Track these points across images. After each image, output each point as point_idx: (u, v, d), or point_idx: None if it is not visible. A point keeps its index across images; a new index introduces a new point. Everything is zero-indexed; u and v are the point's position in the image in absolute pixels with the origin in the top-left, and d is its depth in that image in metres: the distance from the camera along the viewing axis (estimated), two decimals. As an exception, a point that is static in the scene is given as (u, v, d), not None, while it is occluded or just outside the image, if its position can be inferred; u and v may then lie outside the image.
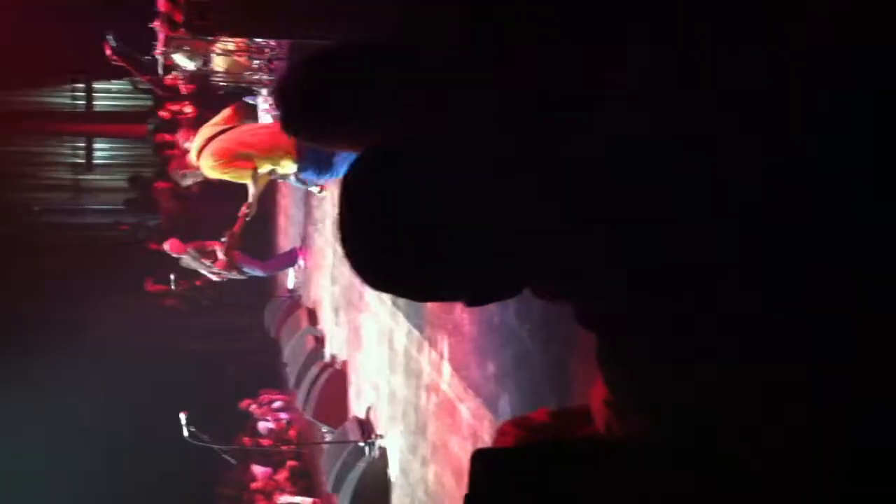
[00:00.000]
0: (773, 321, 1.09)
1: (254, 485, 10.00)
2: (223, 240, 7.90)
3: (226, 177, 6.53)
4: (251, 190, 6.50)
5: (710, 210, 1.13)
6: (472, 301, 1.42)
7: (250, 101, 7.85)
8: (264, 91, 7.49)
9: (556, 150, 1.21)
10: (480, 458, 1.56)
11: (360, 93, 1.44)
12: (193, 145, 6.64)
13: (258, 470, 10.03)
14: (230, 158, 6.37)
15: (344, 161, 6.08)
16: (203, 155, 6.48)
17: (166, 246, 9.09)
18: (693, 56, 1.16)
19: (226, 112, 6.83)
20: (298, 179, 6.74)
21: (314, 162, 6.33)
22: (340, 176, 5.41)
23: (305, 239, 10.46)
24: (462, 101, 1.30)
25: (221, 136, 6.47)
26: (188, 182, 7.06)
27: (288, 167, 6.44)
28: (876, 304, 1.04)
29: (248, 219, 6.91)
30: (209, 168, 6.49)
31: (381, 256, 1.33)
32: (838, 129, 1.05)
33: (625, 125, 1.18)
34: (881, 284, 1.04)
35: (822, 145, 1.05)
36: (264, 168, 6.38)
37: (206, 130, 6.63)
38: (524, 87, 1.24)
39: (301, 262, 10.48)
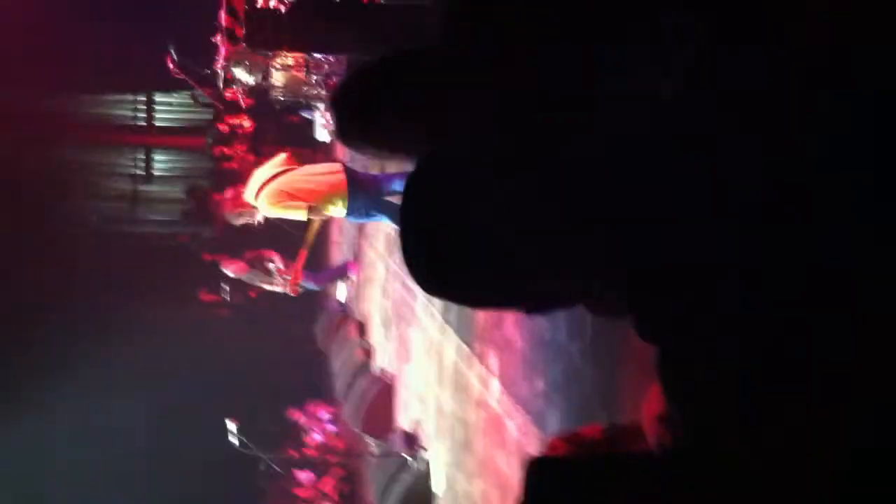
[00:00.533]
0: (772, 321, 1.08)
1: (299, 491, 10.05)
2: (286, 277, 8.23)
3: (281, 214, 6.93)
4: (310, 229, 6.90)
5: (710, 210, 1.12)
6: (531, 309, 1.43)
7: (307, 116, 7.96)
8: (321, 106, 7.59)
9: (556, 150, 1.21)
10: (535, 467, 1.57)
11: (406, 100, 1.46)
12: (249, 187, 6.89)
13: (303, 476, 10.08)
14: (287, 199, 6.72)
15: (387, 210, 6.63)
16: (259, 197, 6.80)
17: (230, 269, 9.21)
18: (692, 56, 1.15)
19: (281, 157, 6.99)
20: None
21: (361, 208, 6.74)
22: (382, 219, 5.60)
23: (357, 252, 10.54)
24: (465, 101, 1.30)
25: (278, 180, 6.76)
26: (241, 221, 7.19)
27: (338, 211, 6.77)
28: (876, 304, 1.04)
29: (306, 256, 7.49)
30: (266, 205, 6.83)
31: (435, 260, 1.35)
32: (838, 129, 1.04)
33: (624, 125, 1.17)
34: (881, 284, 1.03)
35: (822, 145, 1.05)
36: (317, 212, 6.77)
37: (262, 173, 6.82)
38: (524, 87, 1.24)
39: (352, 275, 10.56)
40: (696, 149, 1.12)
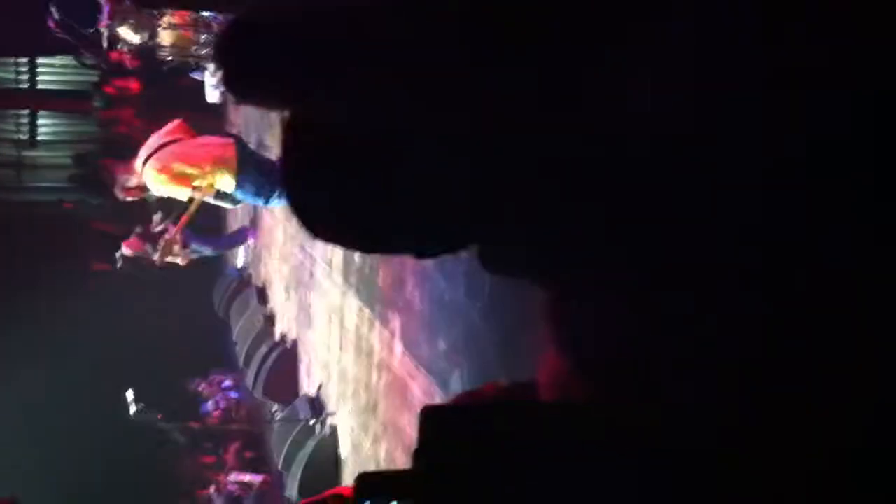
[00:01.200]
0: (772, 321, 1.08)
1: (204, 459, 9.96)
2: (161, 244, 7.98)
3: (165, 190, 6.67)
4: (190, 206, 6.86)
5: (710, 210, 1.12)
6: (420, 254, 1.40)
7: (197, 77, 7.75)
8: (211, 67, 7.39)
9: (553, 149, 1.19)
10: (429, 414, 1.55)
11: (301, 59, 1.40)
12: (140, 154, 6.63)
13: (207, 445, 10.01)
14: (172, 175, 6.47)
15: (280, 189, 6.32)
16: (147, 165, 6.52)
17: (125, 249, 8.91)
18: (692, 55, 1.15)
19: (174, 123, 6.76)
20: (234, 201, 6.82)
21: (251, 184, 6.51)
22: (274, 202, 5.46)
23: (255, 217, 10.38)
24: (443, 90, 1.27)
25: (167, 148, 6.51)
26: (132, 184, 6.92)
27: (226, 184, 6.53)
28: (876, 304, 1.04)
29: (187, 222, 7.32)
30: (151, 180, 6.57)
31: (329, 202, 1.30)
32: (838, 129, 1.04)
33: (623, 125, 1.17)
34: (881, 284, 1.03)
35: (821, 145, 1.05)
36: (203, 182, 6.49)
37: (152, 141, 6.61)
38: (522, 86, 1.22)
39: (251, 240, 10.39)
40: (695, 149, 1.11)
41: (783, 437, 1.08)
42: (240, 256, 11.12)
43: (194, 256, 8.69)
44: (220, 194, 6.89)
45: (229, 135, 6.99)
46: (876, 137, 1.02)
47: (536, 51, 1.17)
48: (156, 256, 8.19)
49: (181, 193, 6.76)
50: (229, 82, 1.44)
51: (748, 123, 1.07)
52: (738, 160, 1.07)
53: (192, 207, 6.99)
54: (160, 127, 6.77)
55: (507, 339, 4.02)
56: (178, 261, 8.27)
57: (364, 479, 1.37)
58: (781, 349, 1.07)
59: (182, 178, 6.51)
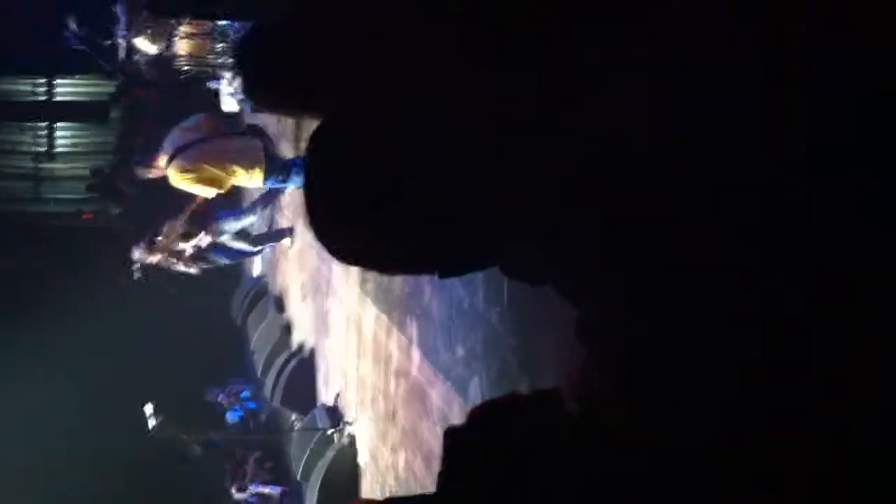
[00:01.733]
0: (772, 321, 1.08)
1: (225, 467, 9.95)
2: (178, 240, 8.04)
3: (189, 189, 6.83)
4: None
5: (710, 210, 1.12)
6: (444, 273, 1.40)
7: (213, 86, 7.77)
8: (228, 76, 7.41)
9: (553, 150, 1.20)
10: (453, 435, 1.55)
11: (313, 67, 1.41)
12: (164, 147, 6.70)
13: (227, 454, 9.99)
14: (199, 177, 6.63)
15: (299, 171, 6.55)
16: (173, 163, 6.63)
17: (136, 254, 8.87)
18: (692, 56, 1.16)
19: (198, 118, 6.82)
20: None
21: (278, 170, 6.75)
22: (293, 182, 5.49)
23: (272, 225, 10.37)
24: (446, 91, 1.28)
25: (195, 147, 6.62)
26: (151, 177, 6.98)
27: (256, 180, 6.75)
28: (876, 304, 1.04)
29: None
30: (175, 178, 6.68)
31: (350, 226, 1.31)
32: (838, 129, 1.04)
33: (624, 125, 1.17)
34: (881, 284, 1.03)
35: (821, 145, 1.05)
36: (231, 182, 6.72)
37: (178, 135, 6.63)
38: (523, 86, 1.22)
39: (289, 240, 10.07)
40: (695, 149, 1.12)
41: (783, 437, 1.08)
42: (257, 265, 11.11)
43: (208, 265, 8.67)
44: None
45: (253, 129, 7.04)
46: (876, 137, 1.02)
47: (536, 51, 1.17)
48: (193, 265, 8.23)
49: (206, 193, 6.91)
50: (249, 88, 1.46)
51: (747, 123, 1.07)
52: (738, 160, 1.07)
53: (196, 205, 7.14)
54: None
55: (525, 345, 4.00)
56: (192, 270, 8.29)
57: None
58: (781, 349, 1.07)
59: (210, 181, 6.68)
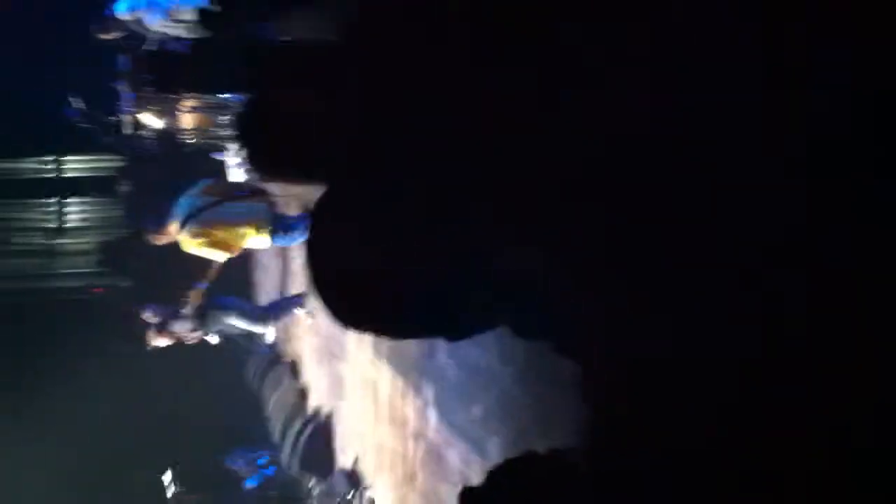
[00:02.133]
0: (772, 321, 1.13)
1: None
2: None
3: (201, 254, 6.92)
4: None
5: (710, 210, 1.14)
6: (455, 336, 1.42)
7: (218, 157, 7.83)
8: (233, 147, 7.48)
9: (552, 150, 1.22)
10: (470, 496, 1.56)
11: (310, 139, 1.44)
12: (174, 216, 6.84)
13: None
14: (211, 241, 6.78)
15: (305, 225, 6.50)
16: (185, 230, 6.78)
17: (156, 342, 8.83)
18: (692, 56, 1.17)
19: (203, 184, 6.96)
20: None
21: (284, 228, 6.86)
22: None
23: (284, 291, 10.38)
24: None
25: (205, 212, 6.76)
26: (160, 243, 7.08)
27: (263, 240, 6.89)
28: (876, 305, 1.04)
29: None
30: (188, 243, 6.83)
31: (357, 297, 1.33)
32: (838, 129, 1.05)
33: (624, 125, 1.19)
34: (881, 284, 1.03)
35: (821, 145, 1.06)
36: (242, 244, 6.86)
37: (184, 203, 6.82)
38: (522, 86, 1.24)
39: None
40: (696, 149, 1.17)
41: (783, 437, 1.10)
42: (269, 332, 11.09)
43: (213, 338, 8.67)
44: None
45: (257, 191, 7.14)
46: (876, 137, 1.01)
47: (536, 51, 1.17)
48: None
49: (217, 257, 7.01)
50: (253, 159, 1.49)
51: (747, 124, 1.07)
52: (738, 160, 1.08)
53: (214, 271, 7.20)
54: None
55: (540, 403, 3.98)
56: (187, 340, 8.33)
57: None
58: (781, 349, 1.07)
59: (221, 244, 6.81)
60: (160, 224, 6.92)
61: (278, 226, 6.84)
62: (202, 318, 8.33)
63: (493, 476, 1.74)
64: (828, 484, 1.08)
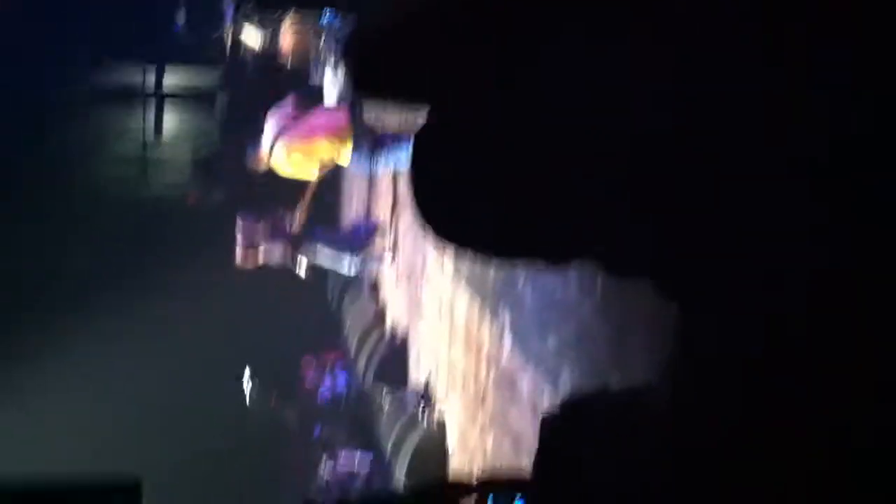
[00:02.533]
0: (773, 322, 1.08)
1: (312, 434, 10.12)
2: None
3: (292, 173, 7.06)
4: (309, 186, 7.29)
5: (712, 208, 1.11)
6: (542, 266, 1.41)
7: (316, 79, 7.90)
8: (329, 69, 7.55)
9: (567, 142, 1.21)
10: (551, 424, 1.55)
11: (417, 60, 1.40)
12: (263, 141, 6.95)
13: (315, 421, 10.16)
14: (300, 156, 6.87)
15: (396, 146, 6.81)
16: (274, 150, 6.89)
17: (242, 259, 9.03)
18: (692, 57, 1.11)
19: (289, 99, 7.04)
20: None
21: (365, 148, 6.85)
22: (392, 161, 5.60)
23: (368, 209, 10.52)
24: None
25: (290, 131, 6.85)
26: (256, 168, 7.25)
27: (347, 154, 6.91)
28: (876, 304, 1.02)
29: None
30: (280, 163, 6.95)
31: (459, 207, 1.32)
32: (838, 129, 1.03)
33: (626, 120, 1.15)
34: (881, 284, 1.01)
35: (822, 145, 1.03)
36: (326, 157, 6.91)
37: (273, 120, 6.93)
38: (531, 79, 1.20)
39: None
40: (697, 148, 1.12)
41: (784, 437, 1.07)
42: (353, 262, 11.19)
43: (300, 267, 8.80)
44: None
45: (346, 103, 7.21)
46: (876, 137, 1.01)
47: (542, 48, 1.18)
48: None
49: (307, 175, 7.14)
50: (354, 79, 1.48)
51: (749, 123, 1.06)
52: (740, 159, 1.06)
53: (311, 189, 7.40)
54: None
55: (617, 338, 4.06)
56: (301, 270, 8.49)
57: (491, 476, 1.43)
58: (782, 349, 1.07)
59: (309, 160, 6.91)
60: (257, 148, 7.05)
61: (369, 143, 6.83)
62: (292, 242, 8.48)
63: (569, 407, 1.70)
64: (828, 484, 1.05)
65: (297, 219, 8.22)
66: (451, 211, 1.31)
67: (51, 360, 11.16)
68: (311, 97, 7.17)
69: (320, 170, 7.11)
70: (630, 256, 1.27)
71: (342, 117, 6.88)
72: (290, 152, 6.89)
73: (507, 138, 1.22)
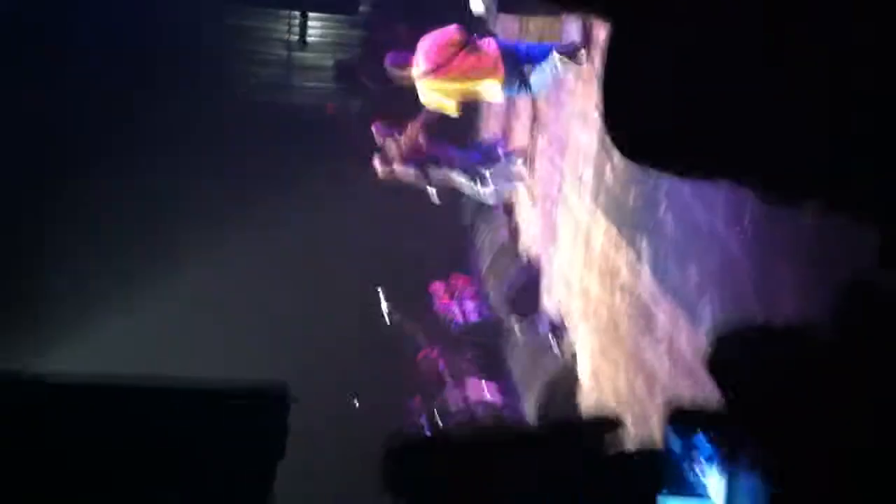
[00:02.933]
0: (774, 323, 1.06)
1: (439, 362, 10.18)
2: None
3: (434, 104, 7.27)
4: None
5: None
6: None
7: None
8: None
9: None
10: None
11: None
12: (418, 61, 7.03)
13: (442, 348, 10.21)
14: (447, 92, 7.07)
15: (536, 77, 6.96)
16: (426, 79, 7.01)
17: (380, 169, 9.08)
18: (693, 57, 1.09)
19: (450, 31, 7.02)
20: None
21: (514, 81, 6.95)
22: (535, 91, 5.65)
23: (506, 129, 10.35)
24: None
25: (446, 67, 6.93)
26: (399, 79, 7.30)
27: (495, 92, 7.06)
28: (876, 304, 1.01)
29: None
30: (427, 91, 7.12)
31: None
32: (838, 129, 1.01)
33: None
34: (881, 284, 1.01)
35: (822, 145, 1.02)
36: (472, 96, 7.19)
37: (432, 48, 6.97)
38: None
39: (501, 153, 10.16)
40: (698, 148, 1.13)
41: (784, 437, 1.06)
42: (486, 184, 11.18)
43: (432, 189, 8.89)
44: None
45: (488, 34, 7.20)
46: (876, 137, 0.99)
47: None
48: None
49: (449, 110, 7.30)
50: None
51: (750, 122, 1.02)
52: (741, 158, 1.02)
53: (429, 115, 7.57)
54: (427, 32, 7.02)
55: (764, 272, 3.77)
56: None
57: (680, 410, 1.46)
58: (783, 349, 1.09)
59: (460, 96, 7.10)
60: (403, 59, 7.06)
61: (511, 73, 6.89)
62: (426, 160, 8.60)
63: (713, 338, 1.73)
64: (828, 484, 1.06)
65: (424, 140, 8.39)
66: (633, 117, 1.29)
67: (195, 263, 11.50)
68: (469, 31, 7.14)
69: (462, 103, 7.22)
70: (792, 183, 1.22)
71: (492, 56, 6.91)
72: (438, 91, 7.04)
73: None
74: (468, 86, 7.02)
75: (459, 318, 10.59)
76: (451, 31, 6.98)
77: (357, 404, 10.74)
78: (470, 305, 10.77)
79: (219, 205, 11.64)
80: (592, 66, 6.75)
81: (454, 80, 6.96)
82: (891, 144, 1.11)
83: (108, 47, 11.35)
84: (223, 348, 10.35)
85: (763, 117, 1.19)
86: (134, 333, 10.75)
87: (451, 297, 10.90)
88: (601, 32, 6.66)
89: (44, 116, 11.04)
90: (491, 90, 7.05)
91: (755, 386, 1.33)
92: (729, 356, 1.45)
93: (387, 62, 7.24)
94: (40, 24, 11.25)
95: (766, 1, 1.17)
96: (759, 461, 1.33)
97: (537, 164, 8.87)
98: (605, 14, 1.45)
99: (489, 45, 7.00)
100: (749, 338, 1.55)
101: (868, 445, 1.17)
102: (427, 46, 6.99)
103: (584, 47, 6.75)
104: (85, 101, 11.29)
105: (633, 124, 1.32)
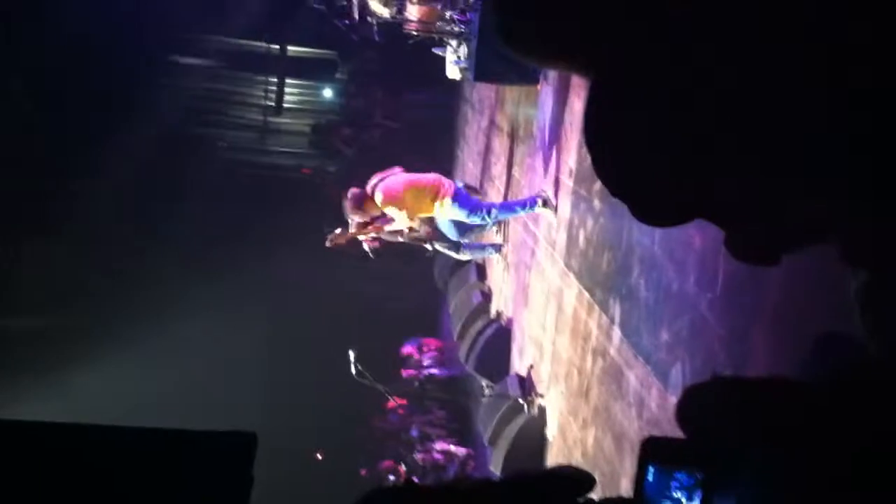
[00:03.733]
0: (746, 384, 1.09)
1: (409, 422, 10.16)
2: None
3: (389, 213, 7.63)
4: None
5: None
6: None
7: (439, 52, 7.88)
8: (454, 43, 7.52)
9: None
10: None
11: (585, 17, 1.43)
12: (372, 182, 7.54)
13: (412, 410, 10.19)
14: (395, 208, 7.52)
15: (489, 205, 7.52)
16: (377, 190, 7.53)
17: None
18: (692, 56, 1.16)
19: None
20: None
21: (467, 200, 7.50)
22: (487, 218, 5.83)
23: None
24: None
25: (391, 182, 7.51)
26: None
27: (446, 210, 7.52)
28: (876, 304, 1.03)
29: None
30: (380, 202, 7.56)
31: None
32: (839, 129, 1.00)
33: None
34: (881, 284, 1.02)
35: (822, 145, 1.01)
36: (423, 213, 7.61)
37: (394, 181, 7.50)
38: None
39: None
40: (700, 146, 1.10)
41: (784, 436, 1.06)
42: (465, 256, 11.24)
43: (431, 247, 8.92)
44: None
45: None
46: (876, 137, 0.98)
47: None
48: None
49: (400, 221, 7.69)
50: (510, 35, 1.45)
51: (748, 122, 1.08)
52: (740, 158, 1.08)
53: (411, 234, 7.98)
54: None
55: (735, 336, 3.88)
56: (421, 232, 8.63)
57: (652, 442, 1.45)
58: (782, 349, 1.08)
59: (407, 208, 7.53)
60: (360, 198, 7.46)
61: (459, 191, 7.40)
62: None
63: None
64: (829, 485, 1.04)
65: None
66: (622, 164, 1.33)
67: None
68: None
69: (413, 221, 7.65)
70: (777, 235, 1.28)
71: (443, 186, 7.46)
72: (391, 201, 7.44)
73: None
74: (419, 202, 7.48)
75: (427, 377, 10.62)
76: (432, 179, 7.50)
77: (320, 458, 10.66)
78: (440, 367, 10.80)
79: (188, 262, 11.64)
80: (571, 128, 6.91)
81: (402, 200, 7.45)
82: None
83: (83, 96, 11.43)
84: (195, 405, 10.29)
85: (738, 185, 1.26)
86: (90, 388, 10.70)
87: (422, 358, 10.92)
88: (577, 103, 6.84)
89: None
90: (442, 210, 7.51)
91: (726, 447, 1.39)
92: (700, 417, 1.50)
93: (363, 127, 7.35)
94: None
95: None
96: None
97: (510, 230, 8.98)
98: (583, 70, 1.47)
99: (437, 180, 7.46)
100: (720, 399, 1.60)
101: None
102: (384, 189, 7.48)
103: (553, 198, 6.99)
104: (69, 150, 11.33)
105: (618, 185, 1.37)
